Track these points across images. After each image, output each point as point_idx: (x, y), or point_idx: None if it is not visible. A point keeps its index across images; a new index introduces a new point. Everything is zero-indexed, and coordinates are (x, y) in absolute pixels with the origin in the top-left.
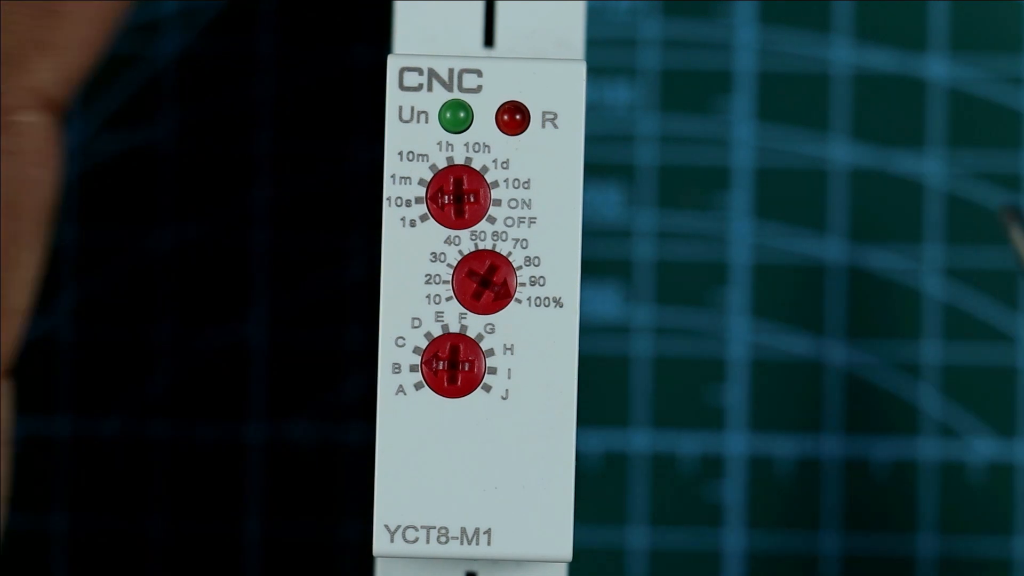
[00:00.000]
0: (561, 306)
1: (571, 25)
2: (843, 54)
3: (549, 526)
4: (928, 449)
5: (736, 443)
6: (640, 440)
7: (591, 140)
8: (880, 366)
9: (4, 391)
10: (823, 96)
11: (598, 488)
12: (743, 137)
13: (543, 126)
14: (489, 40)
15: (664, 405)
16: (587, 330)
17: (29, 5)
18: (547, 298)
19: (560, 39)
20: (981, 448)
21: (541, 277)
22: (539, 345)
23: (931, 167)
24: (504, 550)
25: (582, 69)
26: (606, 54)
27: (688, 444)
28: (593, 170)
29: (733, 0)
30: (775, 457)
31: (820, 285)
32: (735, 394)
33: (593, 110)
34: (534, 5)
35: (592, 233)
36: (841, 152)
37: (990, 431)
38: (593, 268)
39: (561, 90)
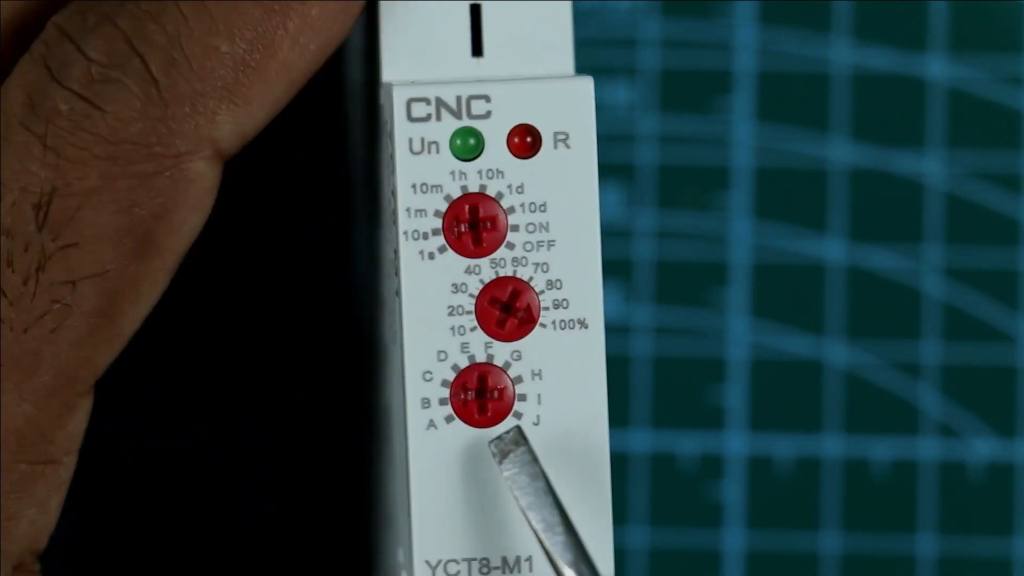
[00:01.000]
0: (586, 327)
1: (559, 28)
2: (843, 54)
3: (590, 549)
4: (928, 449)
5: (736, 443)
6: (640, 440)
7: None
8: (880, 366)
9: (86, 404)
10: (823, 96)
11: None
12: (743, 137)
13: (555, 147)
14: (477, 49)
15: (664, 405)
16: None
17: (231, 55)
18: (572, 320)
19: (548, 43)
20: (981, 448)
21: (564, 300)
22: (567, 368)
23: (931, 167)
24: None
25: (590, 86)
26: (606, 54)
27: (688, 444)
28: None
29: (733, 0)
30: (775, 457)
31: (820, 285)
32: (735, 394)
33: None
34: (519, 10)
35: None
36: (841, 152)
37: (990, 431)
38: None
39: (571, 109)
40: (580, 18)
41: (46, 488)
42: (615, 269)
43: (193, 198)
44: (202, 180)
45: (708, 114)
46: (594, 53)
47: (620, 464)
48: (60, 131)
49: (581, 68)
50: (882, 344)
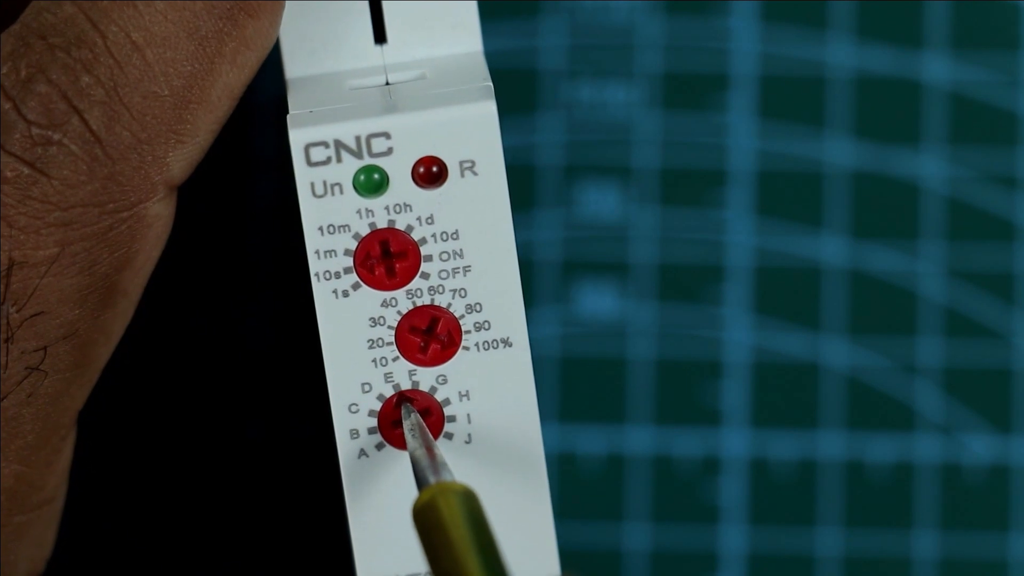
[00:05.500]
0: (510, 345)
1: (464, 5)
2: (842, 54)
3: (533, 549)
4: (926, 449)
5: (735, 443)
6: (639, 440)
7: (591, 141)
8: (879, 366)
9: (72, 438)
10: (822, 96)
11: (597, 488)
12: (742, 137)
13: (462, 175)
14: (380, 35)
15: (663, 405)
16: (586, 331)
17: (171, 97)
18: (495, 340)
19: (455, 22)
20: (979, 448)
21: (486, 322)
22: (494, 386)
23: (930, 167)
24: None
25: (492, 109)
26: (606, 54)
27: (687, 444)
28: (593, 170)
29: (733, 0)
30: (774, 457)
31: (819, 285)
32: (734, 394)
33: (593, 110)
34: None
35: (592, 233)
36: (840, 152)
37: (988, 431)
38: (592, 268)
39: (474, 136)
40: (580, 18)
41: (42, 527)
42: (614, 269)
43: (153, 239)
44: (160, 220)
45: (707, 113)
46: (594, 53)
47: (618, 464)
48: (9, 200)
49: (581, 69)
50: (881, 344)
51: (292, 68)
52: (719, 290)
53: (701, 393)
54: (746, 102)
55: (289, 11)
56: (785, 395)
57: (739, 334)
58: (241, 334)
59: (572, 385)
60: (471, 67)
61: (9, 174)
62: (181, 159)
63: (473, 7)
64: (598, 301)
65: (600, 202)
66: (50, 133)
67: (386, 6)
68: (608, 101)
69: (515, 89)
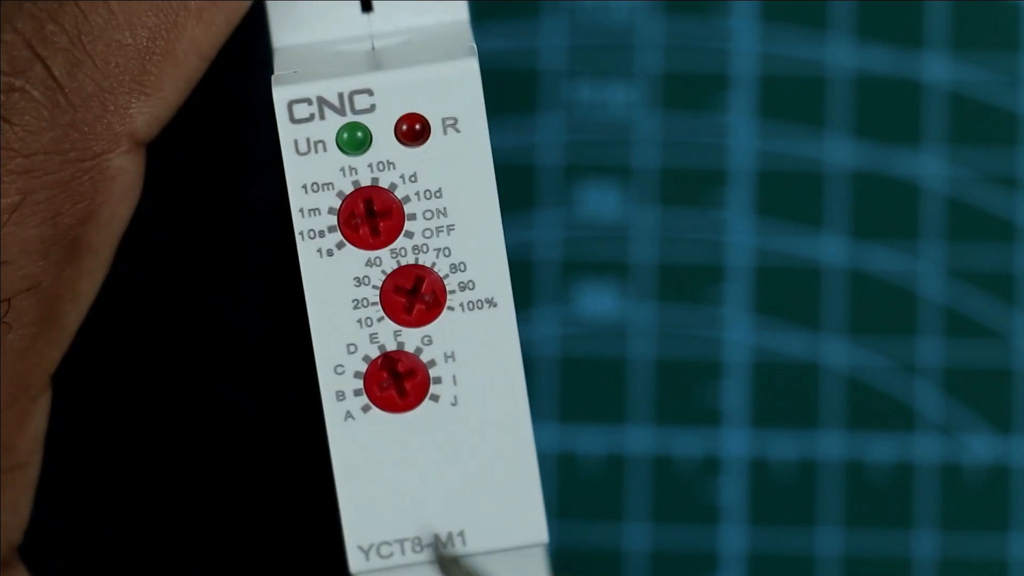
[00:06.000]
0: (495, 305)
1: None
2: (842, 55)
3: (521, 514)
4: (926, 449)
5: (735, 443)
6: (639, 440)
7: (591, 141)
8: (879, 366)
9: (45, 401)
10: (822, 96)
11: (597, 488)
12: (742, 137)
13: (445, 133)
14: (367, 5)
15: (663, 405)
16: (586, 331)
17: (134, 46)
18: (479, 300)
19: None
20: (979, 448)
21: (470, 281)
22: (479, 347)
23: (930, 167)
24: (480, 545)
25: (474, 66)
26: (606, 54)
27: (687, 444)
28: (593, 170)
29: (733, 0)
30: (774, 457)
31: (819, 285)
32: (734, 394)
33: (593, 110)
34: None
35: (592, 233)
36: (840, 152)
37: (988, 431)
38: (592, 268)
39: (457, 93)
40: (580, 18)
41: (14, 493)
42: (614, 269)
43: (118, 193)
44: (124, 174)
45: (707, 113)
46: (594, 53)
47: (618, 464)
48: None
49: (581, 69)
50: (881, 344)
51: (279, 38)
52: (719, 290)
53: (701, 393)
54: (746, 102)
55: None
56: (785, 395)
57: (739, 334)
58: (236, 327)
59: (572, 385)
60: (456, 33)
61: None
62: (145, 112)
63: None
64: (598, 301)
65: (600, 202)
66: (13, 80)
67: None
68: (608, 101)
69: (515, 89)
